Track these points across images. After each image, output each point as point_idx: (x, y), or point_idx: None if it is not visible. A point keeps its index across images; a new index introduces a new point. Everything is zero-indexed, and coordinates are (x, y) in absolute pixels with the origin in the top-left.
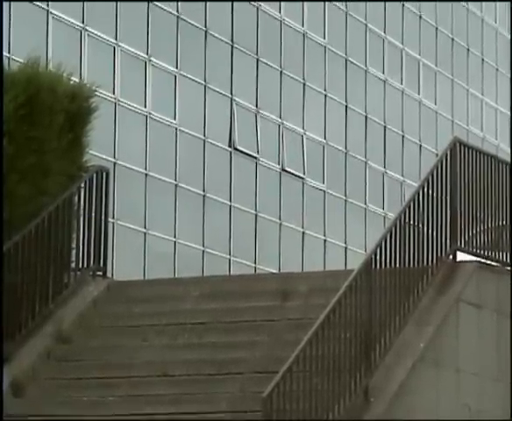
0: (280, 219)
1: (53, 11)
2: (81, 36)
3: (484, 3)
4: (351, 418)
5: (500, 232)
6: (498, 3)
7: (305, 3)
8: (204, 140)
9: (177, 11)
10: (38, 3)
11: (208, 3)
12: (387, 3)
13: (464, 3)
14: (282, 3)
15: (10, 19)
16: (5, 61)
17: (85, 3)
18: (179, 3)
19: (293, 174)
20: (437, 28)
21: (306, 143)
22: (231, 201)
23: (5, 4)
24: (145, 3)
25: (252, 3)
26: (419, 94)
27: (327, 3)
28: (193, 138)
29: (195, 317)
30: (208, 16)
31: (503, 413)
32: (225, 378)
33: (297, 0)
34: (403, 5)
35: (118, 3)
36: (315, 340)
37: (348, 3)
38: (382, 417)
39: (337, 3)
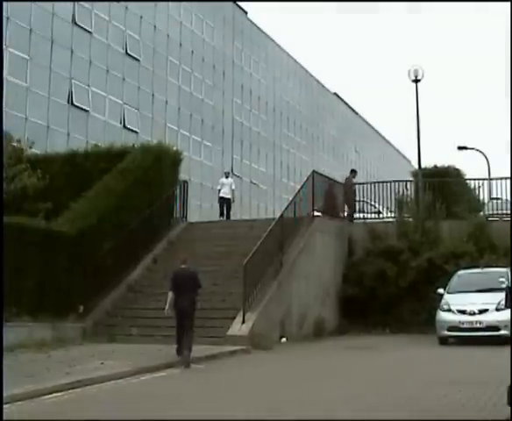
0: None
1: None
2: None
3: None
4: None
5: (336, 207)
6: None
7: None
8: None
9: None
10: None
11: None
12: None
13: None
14: None
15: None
16: (145, 142)
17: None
18: None
19: None
20: None
21: None
22: None
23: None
24: None
25: None
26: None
27: None
28: None
29: (218, 234)
30: None
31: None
32: (230, 256)
33: None
34: None
35: None
36: (261, 244)
37: None
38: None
39: None
